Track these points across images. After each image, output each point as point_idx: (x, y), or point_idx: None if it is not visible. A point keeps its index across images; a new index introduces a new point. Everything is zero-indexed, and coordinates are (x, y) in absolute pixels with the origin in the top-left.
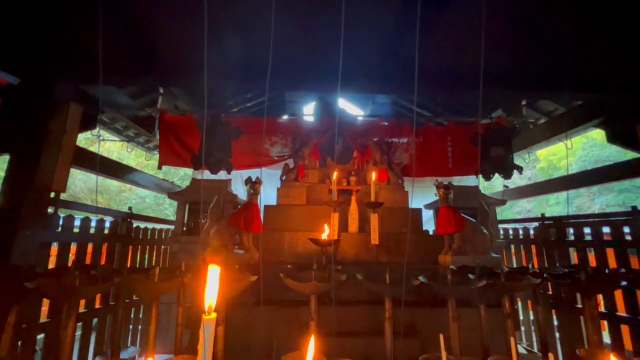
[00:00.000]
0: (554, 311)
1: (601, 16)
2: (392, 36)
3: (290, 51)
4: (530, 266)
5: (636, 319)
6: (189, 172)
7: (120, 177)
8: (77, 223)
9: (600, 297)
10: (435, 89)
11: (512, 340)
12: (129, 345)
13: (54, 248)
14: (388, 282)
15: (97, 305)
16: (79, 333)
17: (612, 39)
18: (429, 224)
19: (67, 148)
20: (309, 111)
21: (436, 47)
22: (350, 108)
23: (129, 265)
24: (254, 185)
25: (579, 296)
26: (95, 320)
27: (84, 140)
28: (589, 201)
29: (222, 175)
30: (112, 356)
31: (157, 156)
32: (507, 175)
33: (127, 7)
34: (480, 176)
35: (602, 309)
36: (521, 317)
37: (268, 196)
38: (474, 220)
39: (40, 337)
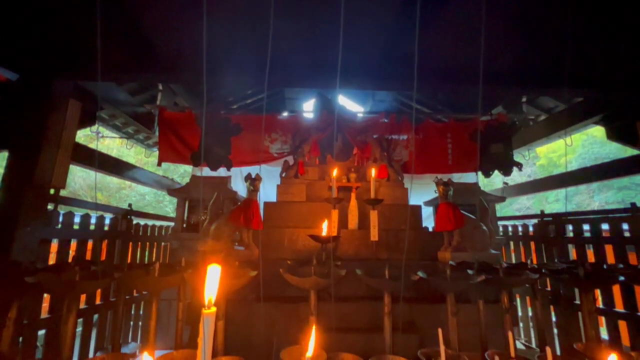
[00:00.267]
0: (552, 307)
1: (601, 12)
2: (392, 32)
3: (290, 47)
4: (529, 262)
5: (634, 315)
6: (188, 168)
7: (119, 173)
8: (77, 220)
9: (598, 293)
10: (435, 86)
11: (510, 334)
12: (130, 341)
13: (54, 244)
14: (387, 277)
15: (98, 301)
16: (79, 329)
17: (613, 35)
18: (428, 220)
19: (66, 144)
20: (308, 108)
21: (436, 44)
22: (350, 104)
23: (128, 262)
24: (253, 182)
25: (577, 292)
26: (96, 317)
27: (83, 137)
28: (588, 198)
29: (222, 171)
30: (112, 352)
31: (157, 153)
32: (507, 172)
33: (126, 3)
34: (480, 173)
35: (600, 304)
36: (519, 314)
37: (268, 193)
38: (473, 217)
39: (41, 332)
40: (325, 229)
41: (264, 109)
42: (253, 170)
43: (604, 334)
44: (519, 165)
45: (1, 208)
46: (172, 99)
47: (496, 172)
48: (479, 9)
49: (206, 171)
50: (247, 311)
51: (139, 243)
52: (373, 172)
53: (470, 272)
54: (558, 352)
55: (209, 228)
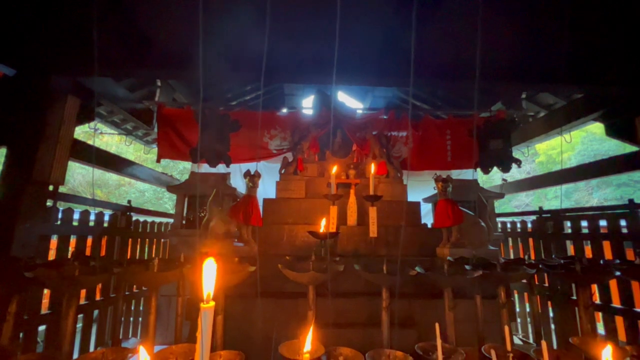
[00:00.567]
0: (549, 303)
1: (601, 9)
2: (391, 28)
3: (288, 43)
4: (527, 257)
5: (630, 310)
6: (187, 165)
7: (118, 170)
8: (76, 216)
9: (595, 289)
10: (434, 82)
11: (507, 328)
12: (130, 336)
13: (53, 241)
14: (385, 272)
15: (98, 297)
16: (79, 325)
17: (612, 31)
18: (427, 216)
19: (64, 140)
20: (307, 104)
21: (435, 40)
22: (349, 101)
23: (128, 258)
24: (252, 178)
25: (574, 288)
26: (96, 312)
27: (81, 133)
28: (587, 195)
29: (221, 168)
30: (112, 346)
31: (156, 149)
32: (506, 169)
33: None
34: (479, 169)
35: (597, 299)
36: (517, 310)
37: (267, 189)
38: (471, 213)
39: (42, 328)
40: (324, 225)
41: (261, 105)
42: (252, 166)
43: (601, 329)
44: (518, 162)
45: (0, 204)
46: (170, 95)
47: (495, 168)
48: (478, 4)
49: (205, 168)
50: (246, 306)
51: (139, 239)
52: (372, 168)
53: (467, 267)
54: (555, 348)
55: (209, 224)
